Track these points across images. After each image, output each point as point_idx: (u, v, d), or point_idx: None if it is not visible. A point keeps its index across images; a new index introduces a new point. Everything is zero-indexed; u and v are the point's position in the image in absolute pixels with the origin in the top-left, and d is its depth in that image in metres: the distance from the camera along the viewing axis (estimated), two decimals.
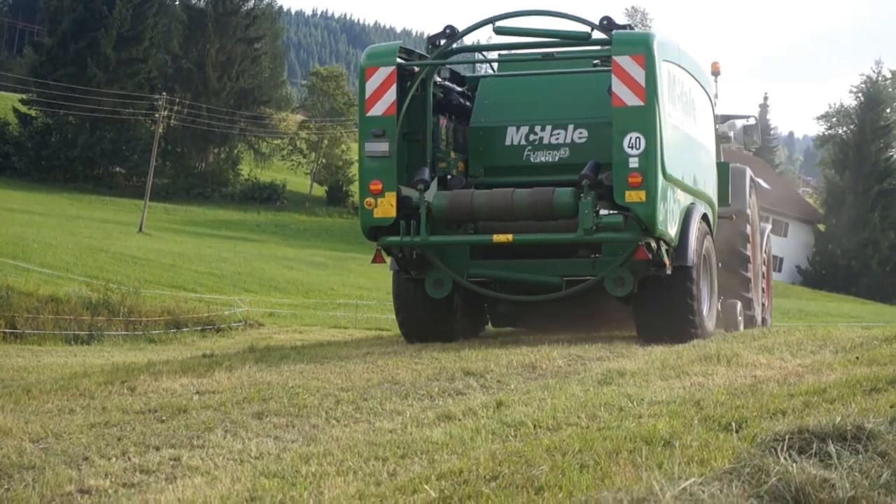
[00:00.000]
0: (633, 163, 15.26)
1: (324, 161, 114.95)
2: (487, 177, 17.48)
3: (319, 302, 54.82)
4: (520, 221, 16.40)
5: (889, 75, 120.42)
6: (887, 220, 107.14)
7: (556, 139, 17.15)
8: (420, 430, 10.05)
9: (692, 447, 8.22)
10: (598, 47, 17.28)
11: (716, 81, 21.14)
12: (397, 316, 18.80)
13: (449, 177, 17.45)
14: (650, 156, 15.33)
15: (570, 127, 17.06)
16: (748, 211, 21.40)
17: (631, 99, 15.36)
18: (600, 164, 15.76)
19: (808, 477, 5.35)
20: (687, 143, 17.49)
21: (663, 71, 15.95)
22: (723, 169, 20.25)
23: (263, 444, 9.74)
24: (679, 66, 17.28)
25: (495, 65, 20.42)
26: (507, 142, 17.40)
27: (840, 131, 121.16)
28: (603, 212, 15.83)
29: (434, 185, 17.07)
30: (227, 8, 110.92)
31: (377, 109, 16.22)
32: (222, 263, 63.79)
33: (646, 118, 15.39)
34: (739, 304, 20.55)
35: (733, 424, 9.09)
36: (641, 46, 15.58)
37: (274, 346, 22.28)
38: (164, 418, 11.08)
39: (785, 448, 6.22)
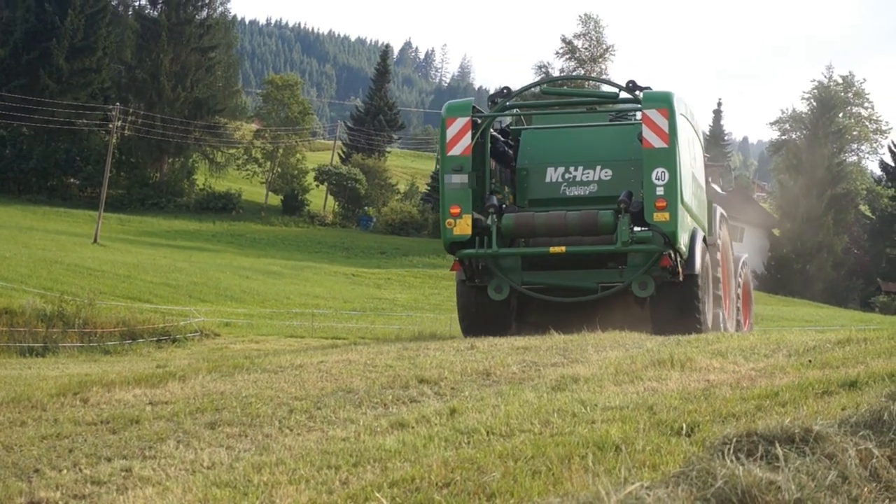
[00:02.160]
0: (660, 191, 20.06)
1: (279, 170, 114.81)
2: (531, 207, 21.93)
3: (275, 311, 54.64)
4: (570, 236, 20.84)
5: (840, 80, 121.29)
6: (841, 224, 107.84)
7: (587, 177, 21.84)
8: (373, 438, 10.04)
9: (644, 452, 8.25)
10: (622, 104, 22.82)
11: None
12: (460, 315, 22.76)
13: (504, 205, 21.75)
14: (672, 186, 20.14)
15: (598, 167, 21.77)
16: (719, 241, 25.06)
17: (657, 142, 20.17)
18: (632, 193, 20.38)
19: (754, 479, 5.36)
20: (692, 180, 22.05)
21: (679, 122, 20.67)
22: (709, 205, 24.80)
23: (216, 454, 9.71)
24: (687, 119, 22.01)
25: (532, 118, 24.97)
26: (547, 179, 22.13)
27: (793, 136, 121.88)
28: (636, 229, 20.45)
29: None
30: (181, 17, 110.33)
31: (456, 150, 20.95)
32: (177, 274, 63.48)
33: (669, 157, 20.23)
34: (722, 313, 24.12)
35: (685, 429, 9.12)
36: (665, 102, 20.55)
37: (229, 355, 22.21)
38: (116, 429, 11.03)
39: (732, 451, 6.24)
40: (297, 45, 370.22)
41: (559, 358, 15.40)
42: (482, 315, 21.85)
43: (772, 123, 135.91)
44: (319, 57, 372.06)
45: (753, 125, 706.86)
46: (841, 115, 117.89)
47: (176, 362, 20.31)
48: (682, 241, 20.67)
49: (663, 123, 20.26)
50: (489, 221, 20.87)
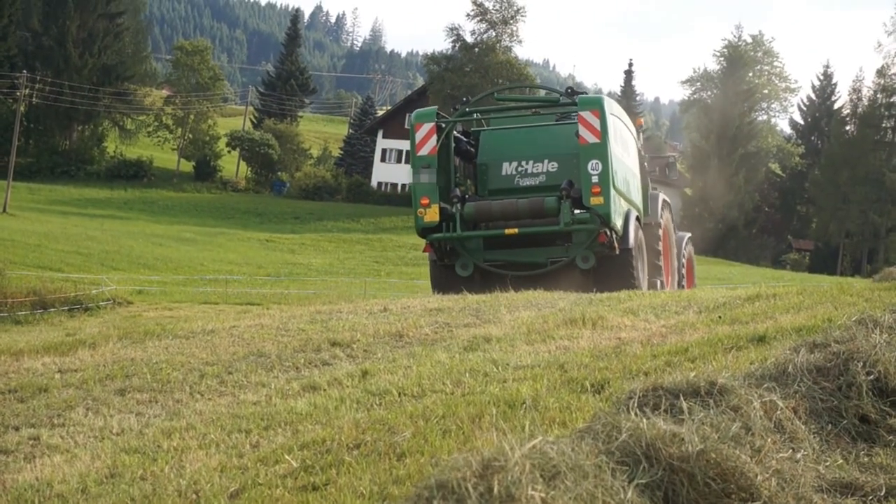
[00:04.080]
0: (595, 179, 23.01)
1: (190, 136, 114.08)
2: (491, 196, 24.90)
3: (189, 278, 54.35)
4: (521, 220, 23.84)
5: (750, 39, 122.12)
6: (752, 183, 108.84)
7: (537, 169, 25.10)
8: (284, 401, 10.02)
9: (554, 409, 8.29)
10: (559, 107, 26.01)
11: (640, 133, 29.84)
12: (434, 290, 25.12)
13: (466, 195, 24.86)
14: (605, 174, 23.08)
15: (546, 160, 25.03)
16: (661, 222, 28.57)
17: (591, 138, 23.20)
18: (573, 182, 23.40)
19: (658, 432, 5.39)
20: (624, 168, 25.18)
21: (610, 120, 23.62)
22: (646, 191, 28.36)
23: (125, 421, 9.65)
24: (618, 117, 25.29)
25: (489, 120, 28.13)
26: (503, 172, 25.33)
27: (704, 95, 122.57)
28: (576, 211, 23.31)
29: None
30: None
31: (424, 151, 24.04)
32: (89, 242, 62.93)
33: (602, 150, 23.18)
34: (658, 283, 26.97)
35: (595, 386, 9.17)
36: (597, 104, 23.70)
37: (141, 323, 22.06)
38: (24, 398, 10.93)
39: (638, 405, 6.27)
40: (207, 10, 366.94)
41: (472, 319, 15.42)
42: (451, 289, 23.25)
43: (683, 82, 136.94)
44: (230, 22, 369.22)
45: (665, 85, 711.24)
46: (751, 73, 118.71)
47: (87, 330, 20.14)
48: (617, 220, 23.81)
49: (596, 123, 23.24)
50: (454, 210, 23.86)
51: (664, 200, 29.77)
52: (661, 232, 28.65)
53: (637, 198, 26.87)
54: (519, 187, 25.05)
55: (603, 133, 23.30)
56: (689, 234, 33.22)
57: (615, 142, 24.15)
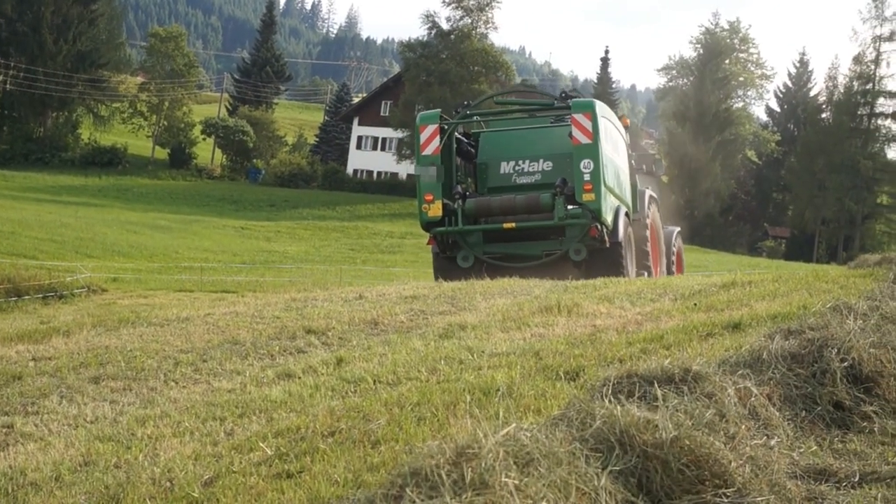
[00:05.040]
0: (587, 177, 24.47)
1: (165, 123, 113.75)
2: (489, 193, 26.62)
3: (164, 266, 54.15)
4: (518, 215, 25.28)
5: (727, 26, 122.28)
6: (728, 170, 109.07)
7: (533, 168, 26.73)
8: (259, 389, 10.00)
9: (529, 397, 8.29)
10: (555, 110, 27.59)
11: (627, 131, 30.76)
12: (436, 280, 25.06)
13: (467, 192, 26.33)
14: (596, 173, 24.58)
15: (541, 160, 26.68)
16: (647, 218, 30.18)
17: (583, 139, 24.66)
18: (566, 180, 24.88)
19: (632, 419, 5.39)
20: (614, 167, 26.64)
21: (601, 122, 25.12)
22: (634, 188, 29.81)
23: (99, 408, 9.62)
24: (609, 119, 26.96)
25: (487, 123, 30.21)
26: (502, 171, 27.00)
27: (680, 83, 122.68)
28: (569, 207, 24.79)
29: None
30: None
31: (428, 150, 25.59)
32: (63, 229, 62.59)
33: (593, 150, 24.64)
34: (646, 273, 28.24)
35: (570, 373, 9.17)
36: (589, 108, 25.07)
37: (115, 310, 22.00)
38: None
39: (612, 392, 6.28)
40: None
41: (447, 306, 15.43)
42: (453, 280, 24.27)
43: (659, 70, 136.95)
44: (205, 8, 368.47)
45: (641, 72, 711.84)
46: (728, 61, 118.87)
47: (61, 318, 20.10)
48: (608, 216, 25.29)
49: (588, 125, 24.75)
50: (456, 205, 25.54)
51: (651, 196, 31.60)
52: (648, 224, 30.44)
53: (626, 195, 28.47)
54: (516, 185, 26.74)
55: (594, 134, 24.82)
56: (678, 228, 35.44)
57: (606, 142, 25.70)
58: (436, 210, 25.49)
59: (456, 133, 27.08)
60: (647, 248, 29.48)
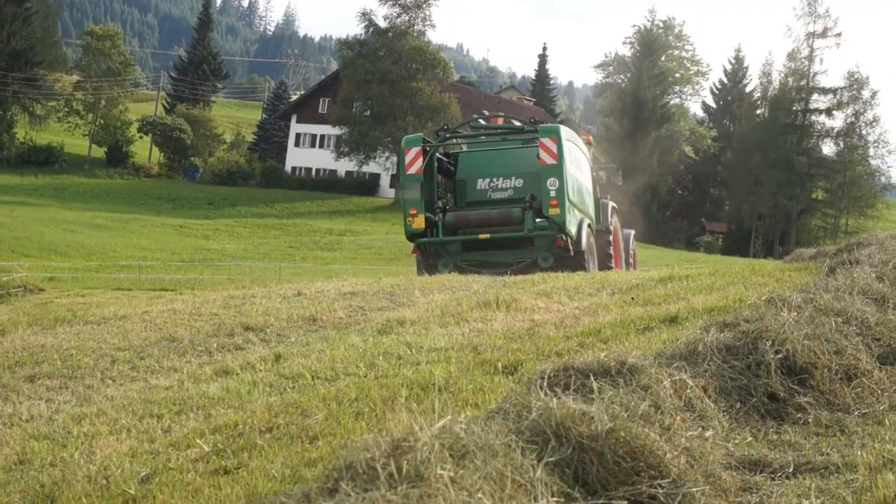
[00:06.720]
0: (553, 193, 26.65)
1: (102, 122, 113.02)
2: (467, 207, 28.87)
3: (101, 265, 53.85)
4: (493, 227, 27.55)
5: (661, 24, 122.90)
6: (665, 166, 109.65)
7: (506, 185, 29.04)
8: (197, 385, 9.97)
9: (467, 391, 8.31)
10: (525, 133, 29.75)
11: (590, 147, 33.82)
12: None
13: (447, 207, 28.41)
14: (561, 190, 26.79)
15: (513, 177, 29.01)
16: (610, 226, 32.70)
17: (549, 160, 26.84)
18: (535, 195, 27.02)
19: (568, 411, 5.42)
20: (578, 184, 28.85)
21: (565, 145, 27.38)
22: (597, 202, 32.23)
23: (35, 407, 9.56)
24: (573, 142, 29.34)
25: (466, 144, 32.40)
26: (478, 187, 29.25)
27: (617, 79, 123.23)
28: (537, 220, 26.87)
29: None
30: None
31: (412, 170, 27.67)
32: None
33: (558, 170, 26.80)
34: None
35: (508, 367, 9.20)
36: (554, 132, 27.35)
37: (52, 309, 21.83)
38: None
39: (548, 385, 6.30)
40: None
41: (386, 302, 15.44)
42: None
43: (596, 67, 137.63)
44: (141, 6, 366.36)
45: (579, 69, 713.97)
46: (663, 57, 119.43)
47: None
48: (572, 228, 27.43)
49: (553, 147, 26.99)
50: (437, 218, 27.68)
51: (613, 207, 34.30)
52: (611, 229, 33.33)
53: (589, 208, 30.95)
54: (491, 200, 29.13)
55: (559, 156, 27.11)
56: (633, 231, 38.70)
57: (570, 162, 28.02)
58: (419, 223, 27.70)
59: (437, 154, 29.30)
60: (610, 251, 31.98)
